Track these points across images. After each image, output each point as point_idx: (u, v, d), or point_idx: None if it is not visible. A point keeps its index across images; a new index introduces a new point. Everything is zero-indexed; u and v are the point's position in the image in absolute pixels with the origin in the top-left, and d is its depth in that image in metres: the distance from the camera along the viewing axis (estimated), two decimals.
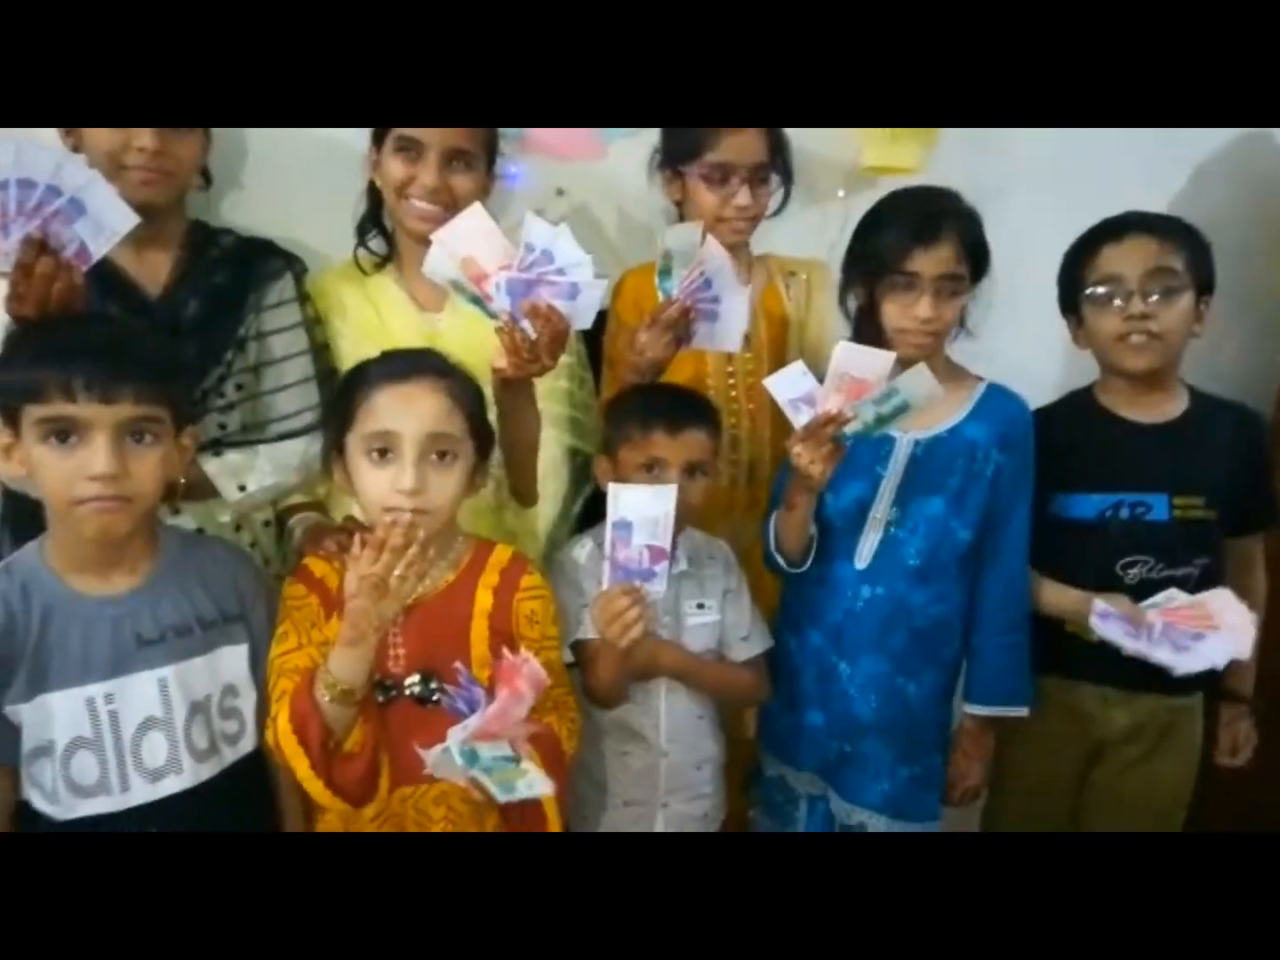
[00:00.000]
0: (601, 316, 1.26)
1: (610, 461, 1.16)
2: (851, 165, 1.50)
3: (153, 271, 1.13)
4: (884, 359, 1.04)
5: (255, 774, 1.00)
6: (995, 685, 1.24)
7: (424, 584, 0.99)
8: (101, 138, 1.06)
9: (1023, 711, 1.23)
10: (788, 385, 1.08)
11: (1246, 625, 1.09)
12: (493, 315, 1.04)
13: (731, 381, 1.35)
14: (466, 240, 1.02)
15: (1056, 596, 1.23)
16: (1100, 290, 1.20)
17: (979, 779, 1.29)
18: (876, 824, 1.24)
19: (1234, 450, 1.22)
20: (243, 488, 1.13)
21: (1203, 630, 1.08)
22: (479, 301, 1.05)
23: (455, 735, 0.86)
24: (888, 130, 1.43)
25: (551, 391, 1.25)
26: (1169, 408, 1.24)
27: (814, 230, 1.42)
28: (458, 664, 0.93)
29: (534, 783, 0.89)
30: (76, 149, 1.07)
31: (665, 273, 1.14)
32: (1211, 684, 1.29)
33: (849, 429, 1.06)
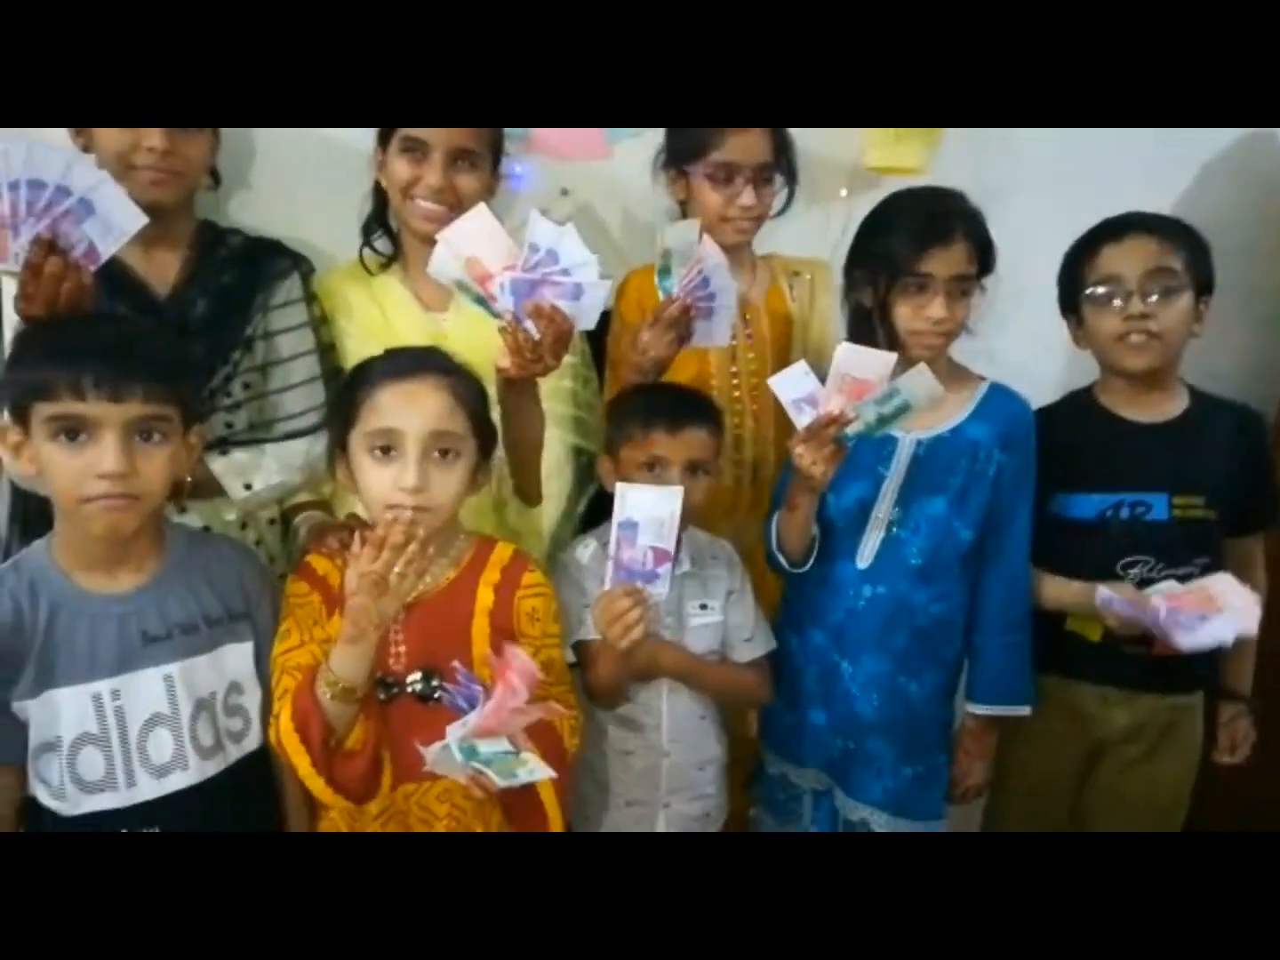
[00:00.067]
0: (605, 317, 1.26)
1: (613, 461, 1.17)
2: (854, 165, 1.50)
3: (161, 271, 1.14)
4: (885, 360, 1.04)
5: (260, 771, 1.01)
6: (997, 684, 1.24)
7: (425, 581, 0.99)
8: (111, 138, 1.06)
9: (1024, 711, 1.24)
10: (791, 385, 1.08)
11: (1250, 605, 1.09)
12: (497, 315, 1.04)
13: (735, 381, 1.35)
14: (471, 240, 1.03)
15: (1057, 590, 1.24)
16: (1100, 290, 1.20)
17: (981, 778, 1.29)
18: (879, 821, 1.24)
19: (1234, 450, 1.22)
20: (249, 486, 1.13)
21: (1207, 612, 1.08)
22: (483, 301, 1.05)
23: (454, 732, 0.87)
24: (892, 131, 1.43)
25: (556, 391, 1.25)
26: (1169, 407, 1.24)
27: (816, 230, 1.42)
28: (455, 662, 0.93)
29: (534, 769, 0.89)
30: (87, 149, 1.08)
31: (665, 272, 1.15)
32: (1211, 683, 1.30)
33: (851, 429, 1.06)
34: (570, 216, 1.36)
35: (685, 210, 1.33)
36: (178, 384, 0.92)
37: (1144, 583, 1.19)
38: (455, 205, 1.16)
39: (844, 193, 1.51)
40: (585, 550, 1.17)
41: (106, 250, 0.94)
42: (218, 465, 1.12)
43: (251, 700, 1.00)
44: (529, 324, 1.03)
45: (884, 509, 1.20)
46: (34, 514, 1.17)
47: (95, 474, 0.86)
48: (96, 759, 0.92)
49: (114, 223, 0.93)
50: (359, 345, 1.21)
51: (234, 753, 0.99)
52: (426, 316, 1.26)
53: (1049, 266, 1.28)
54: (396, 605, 0.90)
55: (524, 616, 1.04)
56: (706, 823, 1.23)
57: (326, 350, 1.23)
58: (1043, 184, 1.52)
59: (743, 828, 1.37)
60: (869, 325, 1.19)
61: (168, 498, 0.96)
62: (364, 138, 1.23)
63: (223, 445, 1.14)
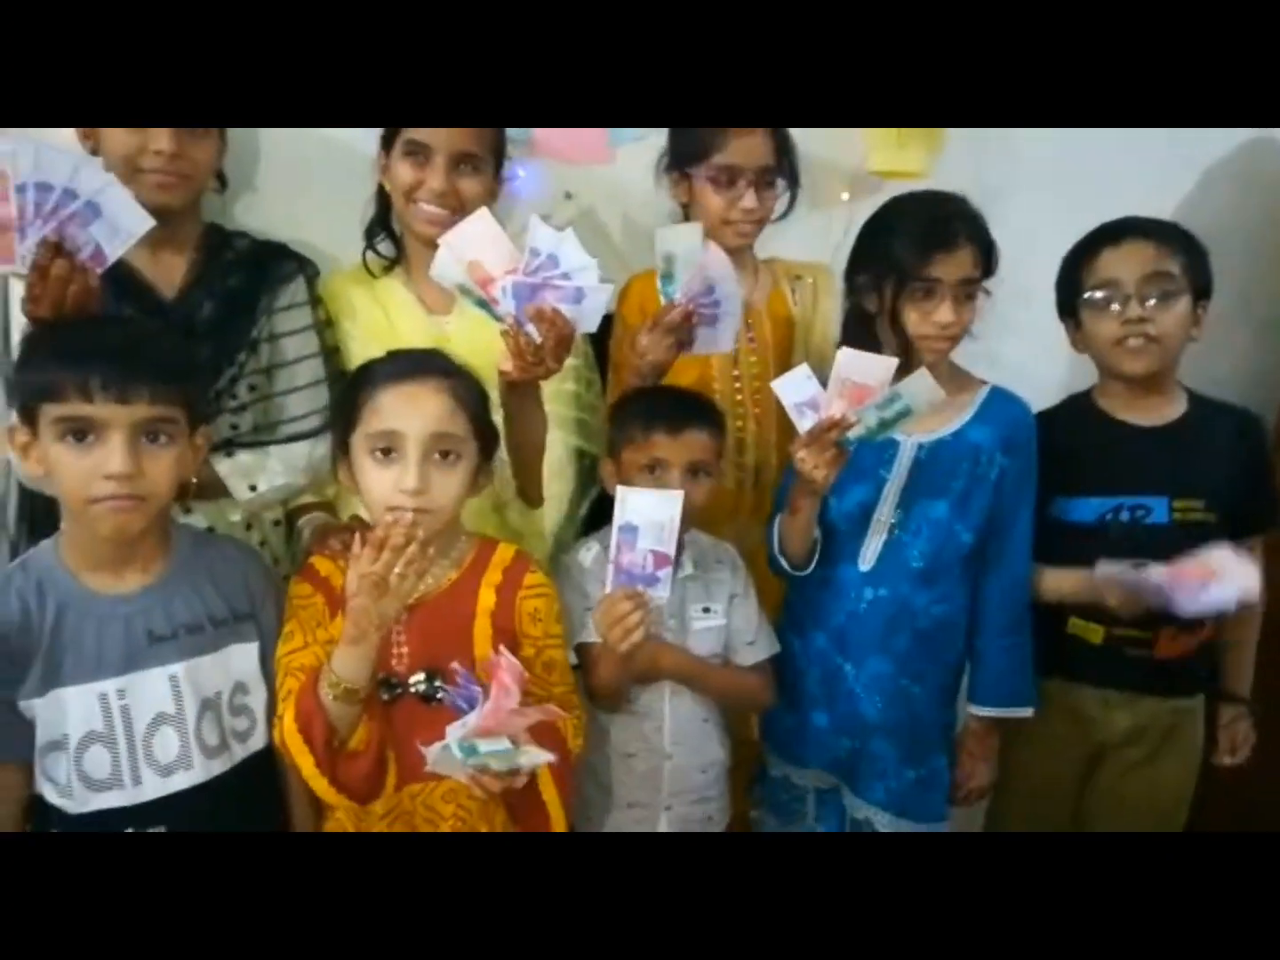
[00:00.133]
0: (608, 320, 1.27)
1: (615, 463, 1.17)
2: (856, 169, 1.50)
3: (168, 273, 1.15)
4: (886, 365, 1.05)
5: (266, 771, 1.01)
6: (999, 686, 1.24)
7: (427, 583, 1.00)
8: (118, 141, 1.07)
9: (1027, 712, 1.24)
10: (793, 389, 1.08)
11: (1250, 570, 1.07)
12: (499, 318, 1.05)
13: (737, 385, 1.35)
14: (473, 244, 1.03)
15: (1056, 581, 1.23)
16: (1098, 294, 1.21)
17: (985, 780, 1.29)
18: (883, 821, 1.25)
19: (1234, 453, 1.22)
20: (254, 488, 1.14)
21: (1207, 580, 1.07)
22: (485, 305, 1.05)
23: (454, 732, 0.87)
24: (894, 134, 1.44)
25: (558, 394, 1.26)
26: (1168, 411, 1.25)
27: (818, 234, 1.42)
28: (455, 664, 0.93)
29: (535, 755, 0.90)
30: (95, 152, 1.09)
31: (667, 277, 1.15)
32: (1211, 685, 1.30)
33: (852, 434, 1.06)
34: (573, 220, 1.37)
35: (687, 213, 1.34)
36: (184, 386, 0.92)
37: None
38: (458, 209, 1.17)
39: (845, 196, 1.51)
40: (588, 553, 1.18)
41: (113, 253, 0.94)
42: (223, 467, 1.13)
43: (257, 700, 1.01)
44: (530, 327, 1.03)
45: (886, 512, 1.20)
46: (41, 514, 1.19)
47: (102, 475, 0.87)
48: (103, 758, 0.92)
49: (121, 225, 0.93)
50: (362, 348, 1.22)
51: (239, 752, 0.99)
52: (429, 319, 1.27)
53: (1052, 270, 1.28)
54: (397, 606, 0.91)
55: (526, 617, 1.05)
56: (709, 825, 1.23)
57: (331, 353, 1.23)
58: (1045, 187, 1.52)
59: (745, 831, 1.37)
60: (866, 329, 1.20)
61: (173, 499, 0.97)
62: (368, 142, 1.24)
63: (228, 447, 1.14)
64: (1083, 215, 1.26)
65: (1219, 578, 1.06)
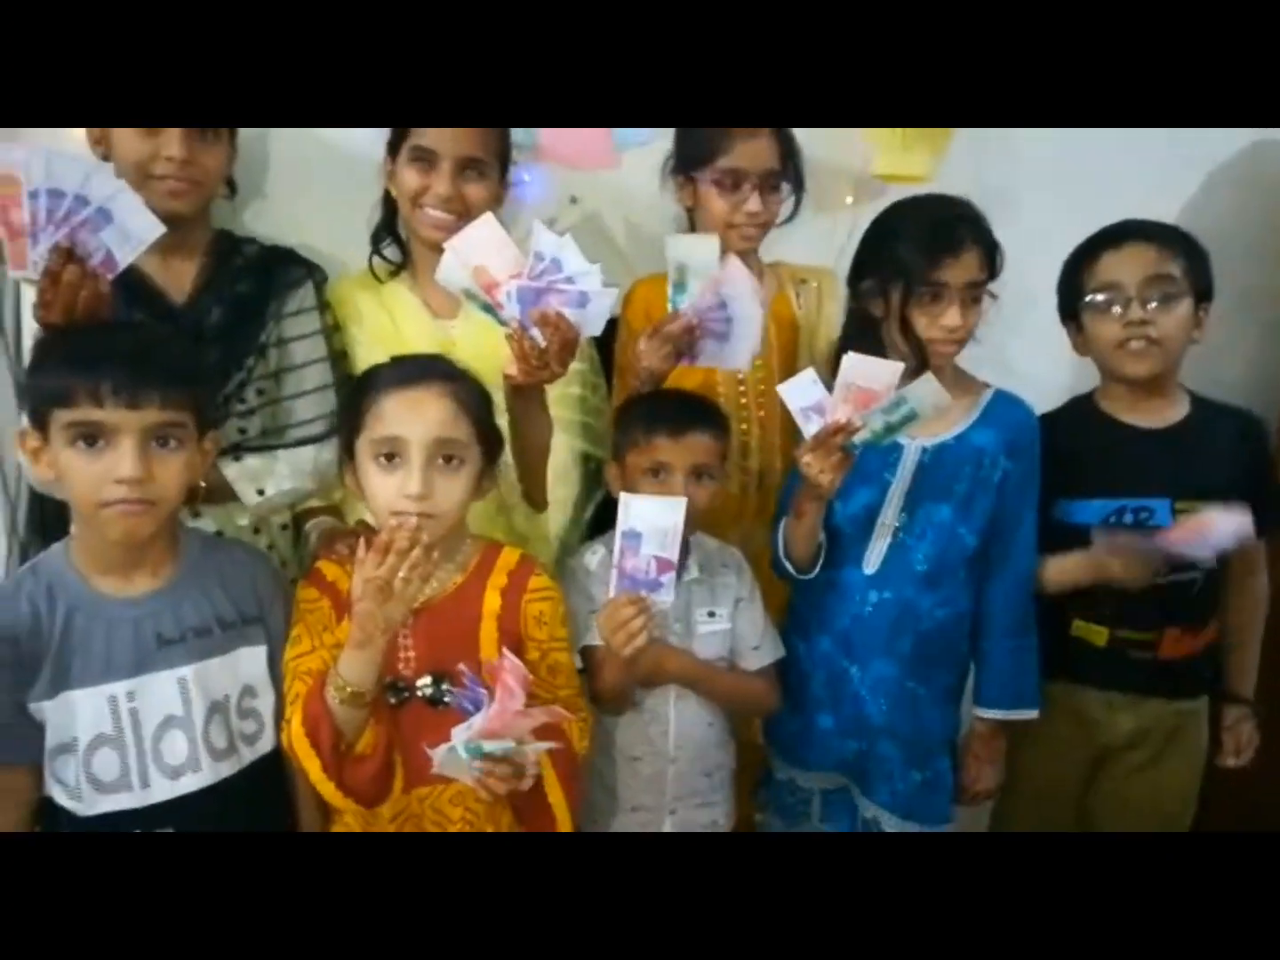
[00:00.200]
0: (613, 324, 1.27)
1: (619, 467, 1.18)
2: (860, 173, 1.50)
3: (178, 279, 1.15)
4: (892, 369, 1.05)
5: (274, 774, 1.01)
6: (1005, 688, 1.25)
7: (432, 586, 1.00)
8: (130, 147, 1.08)
9: (1032, 714, 1.24)
10: (799, 393, 1.08)
11: (1242, 516, 1.07)
12: (503, 323, 1.06)
13: (742, 389, 1.36)
14: (478, 249, 1.04)
15: (1058, 568, 1.22)
16: (1100, 297, 1.21)
17: (992, 782, 1.29)
18: (890, 822, 1.25)
19: (1236, 455, 1.22)
20: (261, 492, 1.14)
21: (1204, 532, 1.07)
22: (490, 309, 1.06)
23: (459, 734, 0.88)
24: (899, 138, 1.44)
25: (563, 398, 1.27)
26: (1170, 413, 1.25)
27: (823, 237, 1.42)
28: (461, 665, 0.94)
29: (538, 745, 0.91)
30: (106, 158, 1.10)
31: (679, 286, 1.14)
32: (1215, 686, 1.30)
33: (858, 438, 1.07)
34: (578, 224, 1.38)
35: (692, 217, 1.34)
36: (193, 391, 0.93)
37: (1149, 587, 1.19)
38: (463, 214, 1.18)
39: (850, 200, 1.51)
40: (593, 557, 1.18)
41: (124, 259, 0.95)
42: (231, 471, 1.13)
43: (265, 703, 1.01)
44: (535, 331, 1.04)
45: (890, 515, 1.20)
46: (52, 518, 1.20)
47: (112, 479, 0.88)
48: (112, 760, 0.93)
49: (132, 231, 0.94)
50: (368, 352, 1.23)
51: (247, 755, 1.00)
52: (435, 324, 1.28)
53: (1055, 272, 1.28)
54: (403, 610, 0.91)
55: (531, 620, 1.05)
56: (713, 829, 1.23)
57: (338, 358, 1.24)
58: (1050, 190, 1.52)
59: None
60: (869, 333, 1.20)
61: (182, 502, 0.97)
62: (375, 148, 1.25)
63: (236, 451, 1.15)
64: (1085, 218, 1.26)
65: (1214, 524, 1.06)
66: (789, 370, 1.35)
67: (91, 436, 0.88)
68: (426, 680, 1.00)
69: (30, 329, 1.09)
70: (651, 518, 0.99)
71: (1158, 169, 1.53)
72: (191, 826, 0.94)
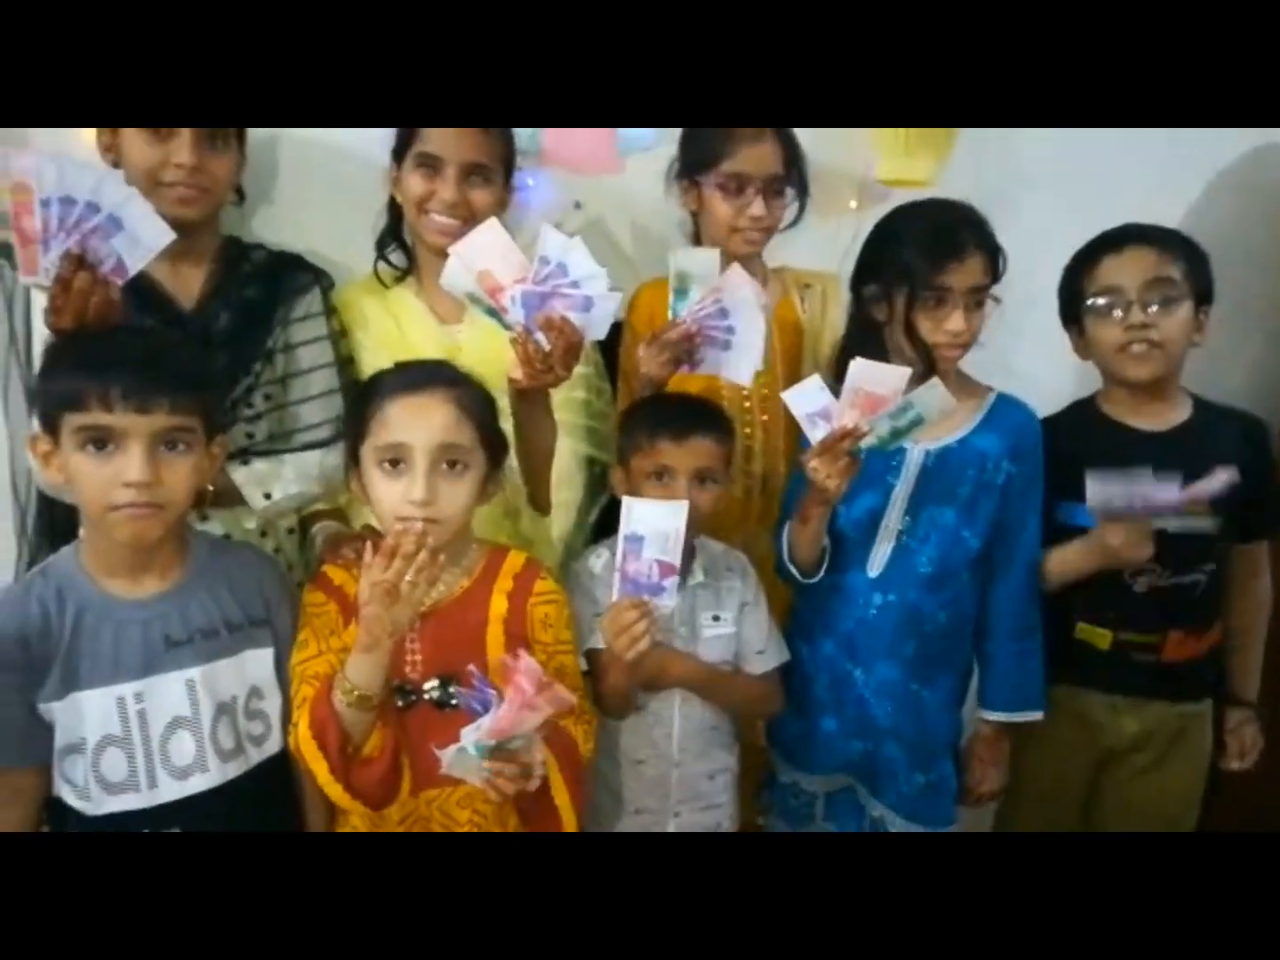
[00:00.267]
0: (618, 328, 1.28)
1: (624, 471, 1.18)
2: (863, 177, 1.51)
3: (186, 285, 1.16)
4: (899, 375, 1.05)
5: (281, 775, 1.02)
6: (1009, 691, 1.25)
7: (439, 591, 1.01)
8: (140, 154, 1.09)
9: (1037, 716, 1.24)
10: (805, 399, 1.09)
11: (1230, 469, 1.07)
12: (508, 327, 1.06)
13: (745, 393, 1.36)
14: (483, 254, 1.04)
15: (1060, 559, 1.22)
16: (1100, 301, 1.21)
17: (996, 784, 1.30)
18: (895, 821, 1.25)
19: (1238, 457, 1.21)
20: (268, 496, 1.15)
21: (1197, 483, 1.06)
22: (495, 313, 1.07)
23: (469, 735, 0.88)
24: (902, 143, 1.44)
25: (568, 402, 1.27)
26: (1172, 416, 1.25)
27: (827, 242, 1.43)
28: (471, 666, 0.94)
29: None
30: (116, 165, 1.11)
31: (680, 293, 1.15)
32: (1218, 689, 1.30)
33: (864, 443, 1.07)
34: (582, 229, 1.38)
35: (697, 222, 1.35)
36: (202, 395, 0.94)
37: (1152, 590, 1.19)
38: (469, 219, 1.19)
39: (854, 205, 1.52)
40: (598, 560, 1.18)
41: (134, 265, 0.96)
42: (239, 475, 1.14)
43: (272, 705, 1.01)
44: (539, 335, 1.05)
45: (894, 519, 1.20)
46: (61, 521, 1.21)
47: (121, 483, 0.88)
48: (120, 760, 0.93)
49: (142, 238, 0.95)
50: (374, 357, 1.23)
51: (255, 756, 1.00)
52: (441, 328, 1.28)
53: (1057, 275, 1.28)
54: (409, 613, 0.91)
55: (537, 623, 1.06)
56: (717, 832, 1.23)
57: (345, 363, 1.25)
58: (1053, 194, 1.52)
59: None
60: (872, 337, 1.20)
61: (191, 506, 0.98)
62: (381, 155, 1.26)
63: (244, 455, 1.16)
64: (1087, 222, 1.26)
65: (1206, 478, 1.05)
66: (793, 375, 1.36)
67: (101, 440, 0.89)
68: (434, 683, 1.01)
69: (41, 334, 1.10)
70: (653, 522, 1.00)
71: (1160, 172, 1.54)
72: (199, 827, 0.95)
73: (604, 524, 1.34)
